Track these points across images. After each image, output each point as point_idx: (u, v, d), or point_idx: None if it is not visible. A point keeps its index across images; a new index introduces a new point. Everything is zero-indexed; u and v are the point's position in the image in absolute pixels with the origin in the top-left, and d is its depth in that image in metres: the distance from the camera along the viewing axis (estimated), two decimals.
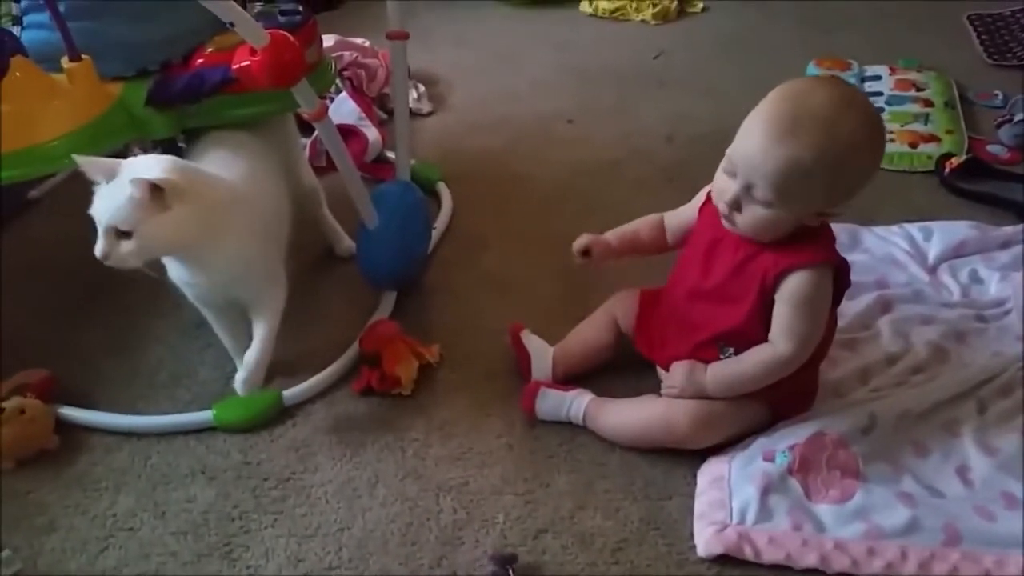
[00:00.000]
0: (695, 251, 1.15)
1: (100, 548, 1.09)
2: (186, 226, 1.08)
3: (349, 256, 1.51)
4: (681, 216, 1.23)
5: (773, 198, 1.00)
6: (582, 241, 1.25)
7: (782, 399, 1.14)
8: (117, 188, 1.05)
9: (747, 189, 1.02)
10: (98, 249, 1.06)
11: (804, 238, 1.05)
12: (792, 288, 1.05)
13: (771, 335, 1.08)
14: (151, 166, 1.07)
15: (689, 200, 1.21)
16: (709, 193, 1.12)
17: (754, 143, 1.00)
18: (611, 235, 1.26)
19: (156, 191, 1.05)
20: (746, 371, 1.10)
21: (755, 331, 1.09)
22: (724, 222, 1.08)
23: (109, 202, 1.05)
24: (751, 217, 1.04)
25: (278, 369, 1.33)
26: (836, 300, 1.10)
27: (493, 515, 1.11)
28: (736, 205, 1.04)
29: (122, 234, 1.06)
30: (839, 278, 1.08)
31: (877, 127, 1.03)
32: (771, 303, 1.07)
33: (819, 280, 1.05)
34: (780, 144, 0.98)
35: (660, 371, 1.21)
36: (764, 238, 1.06)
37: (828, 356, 1.25)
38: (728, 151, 1.04)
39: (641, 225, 1.26)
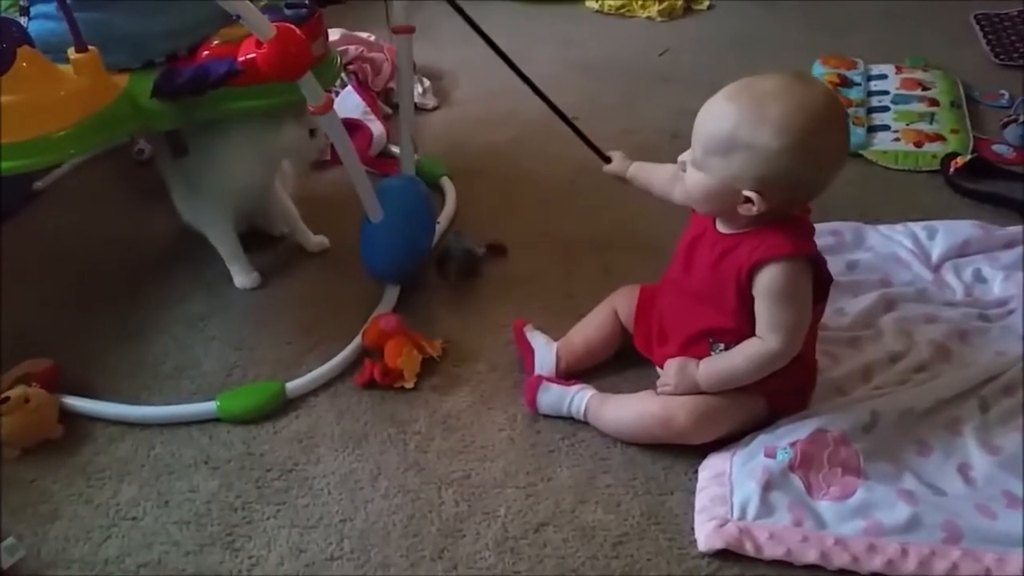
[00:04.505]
0: (680, 248, 1.17)
1: (103, 537, 1.10)
2: None
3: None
4: (657, 170, 1.29)
5: (699, 157, 1.05)
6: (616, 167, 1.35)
7: (779, 393, 1.14)
8: None
9: (692, 152, 1.07)
10: None
11: (774, 232, 1.05)
12: (766, 283, 1.05)
13: (758, 331, 1.08)
14: None
15: None
16: None
17: (702, 108, 1.06)
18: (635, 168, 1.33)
19: None
20: (737, 366, 1.10)
21: (743, 328, 1.09)
22: None
23: None
24: (688, 180, 1.08)
25: (281, 361, 1.34)
26: (820, 296, 1.09)
27: (494, 508, 1.11)
28: (683, 166, 1.09)
29: None
30: (818, 273, 1.07)
31: (816, 127, 0.99)
32: (752, 299, 1.07)
33: (791, 271, 1.04)
34: (714, 103, 1.04)
35: (659, 368, 1.21)
36: (699, 207, 1.11)
37: (831, 353, 1.25)
38: None
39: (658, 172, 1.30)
